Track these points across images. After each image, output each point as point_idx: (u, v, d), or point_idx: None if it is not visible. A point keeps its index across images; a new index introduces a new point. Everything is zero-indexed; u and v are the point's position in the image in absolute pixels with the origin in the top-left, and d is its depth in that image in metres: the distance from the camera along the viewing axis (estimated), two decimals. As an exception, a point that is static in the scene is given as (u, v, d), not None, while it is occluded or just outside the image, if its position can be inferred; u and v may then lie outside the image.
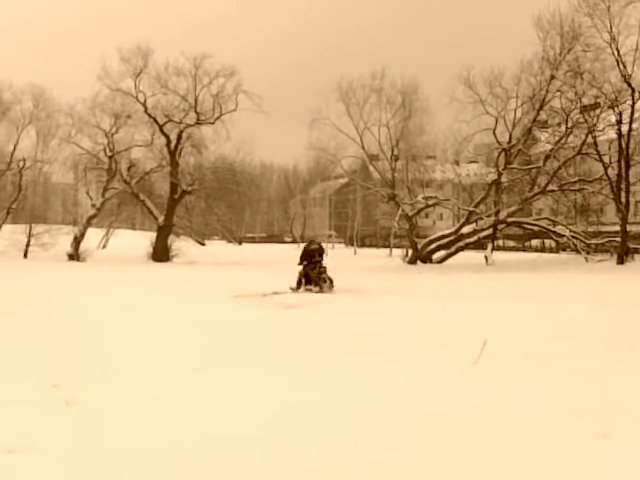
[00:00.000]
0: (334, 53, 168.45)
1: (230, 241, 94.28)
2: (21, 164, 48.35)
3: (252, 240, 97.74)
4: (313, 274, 18.21)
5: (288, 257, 47.75)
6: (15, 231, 43.34)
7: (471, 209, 36.90)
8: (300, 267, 18.61)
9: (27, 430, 5.25)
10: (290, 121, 60.73)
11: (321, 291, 17.68)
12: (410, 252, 38.95)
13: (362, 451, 4.78)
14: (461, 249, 37.21)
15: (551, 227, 36.78)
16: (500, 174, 35.58)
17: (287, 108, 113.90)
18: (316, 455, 4.70)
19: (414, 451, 4.78)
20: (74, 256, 39.91)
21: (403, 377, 7.09)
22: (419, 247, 37.72)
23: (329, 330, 10.87)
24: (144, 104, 40.82)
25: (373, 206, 67.09)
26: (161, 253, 40.09)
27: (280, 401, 6.20)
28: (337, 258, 46.95)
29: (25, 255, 41.94)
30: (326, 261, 18.96)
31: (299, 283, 18.18)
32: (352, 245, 67.21)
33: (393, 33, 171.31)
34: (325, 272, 18.35)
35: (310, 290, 17.78)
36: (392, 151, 40.16)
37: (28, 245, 42.25)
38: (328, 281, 18.16)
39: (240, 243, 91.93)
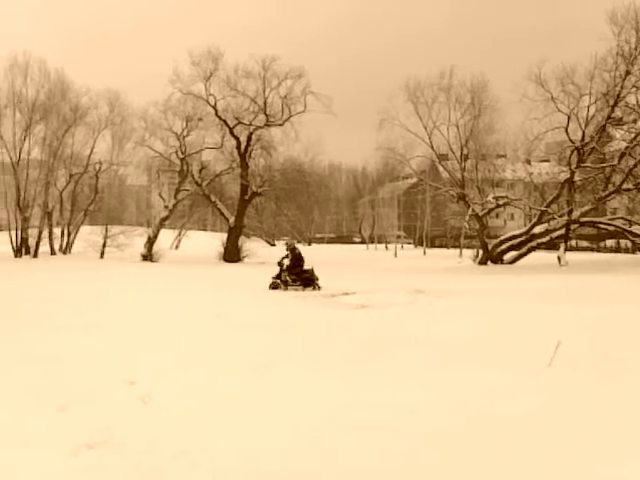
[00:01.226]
0: (399, 51, 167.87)
1: (299, 241, 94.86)
2: (97, 167, 49.75)
3: (321, 240, 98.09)
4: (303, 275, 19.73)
5: (357, 258, 48.02)
6: (92, 232, 44.71)
7: (543, 209, 36.10)
8: (286, 261, 19.93)
9: (105, 426, 5.42)
10: (358, 121, 60.78)
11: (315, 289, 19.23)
12: (481, 253, 38.44)
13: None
14: (533, 249, 36.46)
15: (627, 227, 35.71)
16: (573, 173, 34.72)
17: (355, 108, 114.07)
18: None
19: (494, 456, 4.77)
20: (148, 257, 40.78)
21: (477, 380, 7.02)
22: (490, 247, 37.17)
23: (402, 330, 10.81)
24: (214, 107, 41.41)
25: (442, 206, 66.43)
26: (232, 254, 40.58)
27: (372, 400, 6.25)
28: (406, 259, 46.98)
29: (101, 255, 43.15)
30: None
31: (284, 281, 19.51)
32: (421, 245, 66.68)
33: (460, 30, 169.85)
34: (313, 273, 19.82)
35: (296, 289, 19.16)
36: (461, 150, 39.65)
37: (104, 246, 43.51)
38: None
39: (309, 243, 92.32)
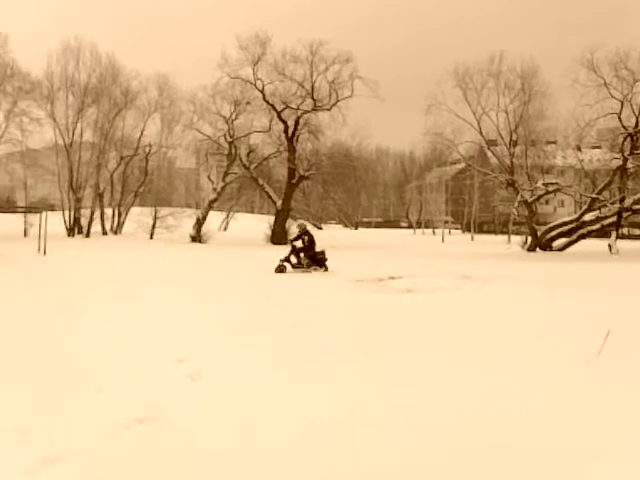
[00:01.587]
0: (448, 35, 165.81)
1: (346, 225, 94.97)
2: (147, 150, 50.55)
3: (368, 225, 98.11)
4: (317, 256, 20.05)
5: (404, 242, 47.87)
6: (142, 214, 45.45)
7: (594, 196, 35.47)
8: (297, 244, 20.30)
9: (155, 403, 5.54)
10: (406, 105, 60.36)
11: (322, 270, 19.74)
12: (529, 239, 38.00)
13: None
14: (583, 237, 35.87)
15: (681, 215, 34.96)
16: (626, 160, 34.01)
17: (402, 92, 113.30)
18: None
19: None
20: (196, 238, 41.30)
21: (526, 369, 6.94)
22: (539, 234, 36.69)
23: (449, 316, 10.79)
24: (262, 91, 41.59)
25: (491, 192, 65.68)
26: (279, 236, 40.80)
27: (420, 391, 6.28)
28: (454, 244, 46.67)
29: (151, 236, 43.85)
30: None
31: (298, 262, 19.79)
32: (469, 231, 66.12)
33: (510, 14, 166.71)
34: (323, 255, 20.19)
35: (307, 272, 19.40)
36: (510, 136, 39.07)
37: (154, 227, 44.19)
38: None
39: (356, 227, 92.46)
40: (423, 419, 5.21)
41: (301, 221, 24.43)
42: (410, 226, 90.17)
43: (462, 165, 60.89)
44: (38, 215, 29.50)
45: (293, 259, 19.78)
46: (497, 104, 39.32)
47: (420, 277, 17.06)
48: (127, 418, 5.12)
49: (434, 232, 73.81)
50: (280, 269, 19.12)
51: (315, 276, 18.52)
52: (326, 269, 19.78)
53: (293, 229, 42.53)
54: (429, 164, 78.51)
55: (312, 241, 20.25)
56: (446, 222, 74.55)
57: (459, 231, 77.25)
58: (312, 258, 19.91)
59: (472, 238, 59.56)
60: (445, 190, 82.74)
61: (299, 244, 20.14)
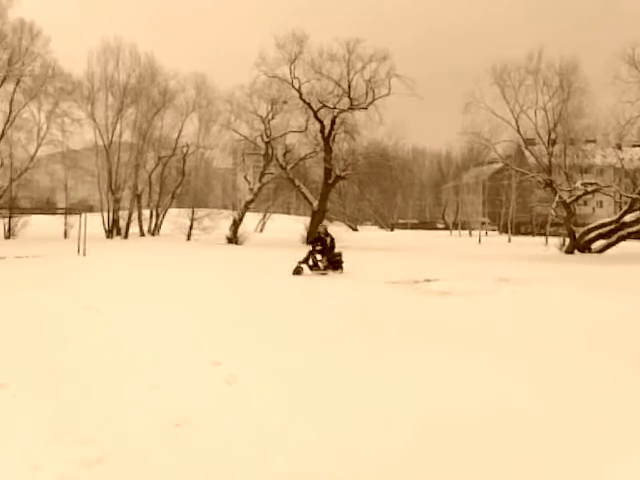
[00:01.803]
0: (485, 33, 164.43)
1: (382, 227, 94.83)
2: (185, 150, 50.83)
3: (404, 226, 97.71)
4: (324, 260, 19.61)
5: (440, 244, 47.61)
6: (179, 215, 45.75)
7: (635, 196, 34.85)
8: (311, 248, 19.92)
9: (191, 406, 5.62)
10: (443, 104, 60.00)
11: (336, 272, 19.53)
12: (568, 241, 37.51)
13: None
14: (623, 238, 35.25)
15: None
16: (668, 159, 33.49)
17: (440, 90, 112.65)
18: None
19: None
20: (233, 239, 41.48)
21: (576, 374, 6.93)
22: (577, 235, 36.17)
23: (483, 319, 10.75)
24: (299, 90, 41.65)
25: (528, 192, 64.88)
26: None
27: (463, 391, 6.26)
28: (491, 246, 46.28)
29: (188, 237, 44.16)
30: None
31: (314, 263, 19.44)
32: (506, 233, 65.46)
33: (549, 9, 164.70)
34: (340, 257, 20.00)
35: (324, 274, 19.26)
36: (549, 135, 38.59)
37: (191, 228, 44.49)
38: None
39: (392, 229, 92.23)
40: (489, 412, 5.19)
41: (322, 224, 24.32)
42: (446, 227, 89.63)
43: (499, 165, 60.30)
44: (78, 216, 29.89)
45: (311, 261, 19.51)
46: (535, 102, 38.87)
47: (456, 279, 16.95)
48: (165, 421, 5.20)
49: (471, 233, 73.21)
50: (297, 271, 18.90)
51: (346, 278, 18.43)
52: (342, 271, 19.63)
53: (329, 230, 42.64)
54: (466, 164, 77.89)
55: (333, 243, 20.08)
56: (483, 223, 73.92)
57: (496, 232, 76.48)
58: (329, 260, 19.70)
59: (509, 240, 58.93)
60: (482, 191, 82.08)
61: (319, 246, 19.81)
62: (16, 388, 6.09)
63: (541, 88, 38.90)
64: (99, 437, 4.81)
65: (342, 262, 19.84)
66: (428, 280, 17.03)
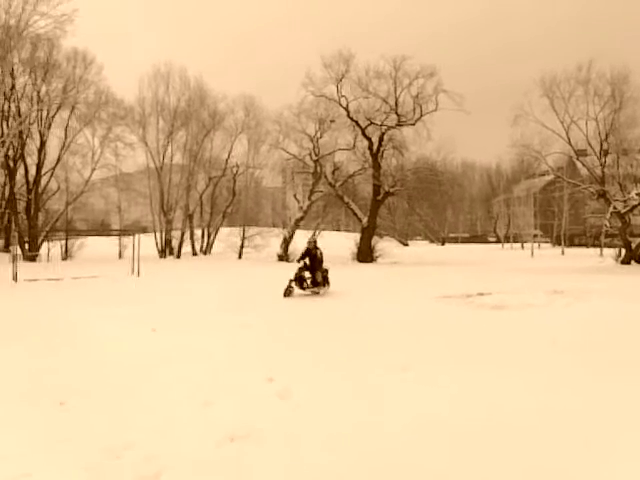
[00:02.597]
0: (533, 44, 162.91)
1: (433, 241, 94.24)
2: (235, 170, 51.51)
3: (455, 240, 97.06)
4: (318, 275, 18.33)
5: (492, 258, 47.12)
6: (231, 233, 46.29)
7: (692, 205, 34.13)
8: (300, 264, 18.52)
9: (246, 421, 5.71)
10: (491, 118, 59.57)
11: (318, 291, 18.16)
12: (623, 252, 36.81)
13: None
14: (682, 248, 34.51)
15: None
16: None
17: (487, 104, 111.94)
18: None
19: None
20: (283, 257, 41.69)
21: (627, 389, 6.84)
22: (633, 246, 35.49)
23: (538, 332, 10.63)
24: (346, 108, 41.82)
25: (581, 204, 63.92)
26: (365, 254, 40.83)
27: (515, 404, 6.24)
28: (543, 258, 45.64)
29: (239, 256, 44.58)
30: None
31: (301, 282, 18.00)
32: (559, 245, 64.44)
33: (597, 21, 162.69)
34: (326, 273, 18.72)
35: (317, 292, 18.09)
36: (601, 145, 38.00)
37: (242, 247, 44.93)
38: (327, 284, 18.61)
39: (443, 243, 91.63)
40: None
41: (310, 237, 22.39)
42: (498, 241, 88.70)
43: (551, 177, 59.55)
44: (131, 237, 30.44)
45: (304, 277, 18.16)
46: (586, 112, 38.32)
47: (510, 293, 16.81)
48: (221, 436, 5.29)
49: (523, 246, 72.33)
50: (288, 292, 17.54)
51: (398, 294, 18.32)
52: (329, 287, 18.55)
53: (379, 246, 42.52)
54: (516, 177, 77.10)
55: (321, 257, 18.82)
56: (535, 236, 72.85)
57: (549, 245, 75.36)
58: (315, 277, 18.28)
59: (562, 252, 58.02)
60: (533, 203, 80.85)
61: (306, 261, 18.48)
62: (75, 404, 6.27)
63: (592, 98, 38.37)
64: (157, 453, 4.92)
65: (328, 278, 18.68)
66: (481, 294, 16.91)
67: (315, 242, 19.39)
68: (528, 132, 39.36)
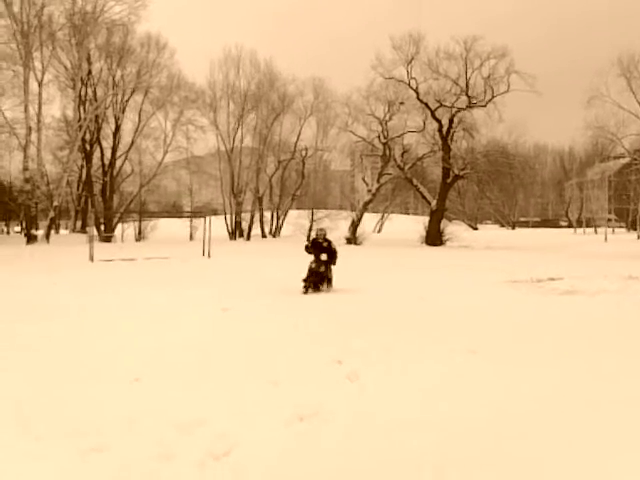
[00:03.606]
0: (608, 23, 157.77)
1: (503, 225, 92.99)
2: (304, 153, 51.87)
3: (525, 224, 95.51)
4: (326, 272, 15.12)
5: (564, 242, 46.20)
6: (299, 216, 46.63)
7: None
8: (324, 256, 15.20)
9: (315, 401, 5.79)
10: (564, 99, 58.20)
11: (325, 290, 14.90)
12: (703, 237, 35.67)
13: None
14: None
15: None
16: None
17: (560, 85, 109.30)
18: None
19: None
20: (352, 239, 41.82)
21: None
22: None
23: (611, 319, 10.42)
24: (416, 90, 41.55)
25: (659, 187, 61.98)
26: (434, 237, 40.62)
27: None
28: (618, 243, 44.48)
29: (308, 239, 44.82)
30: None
31: (314, 282, 14.91)
32: (635, 229, 62.69)
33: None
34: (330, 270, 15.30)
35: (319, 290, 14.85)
36: (681, 127, 36.92)
37: (310, 229, 45.21)
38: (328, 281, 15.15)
39: (513, 227, 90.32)
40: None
41: (319, 228, 18.03)
42: (570, 225, 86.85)
43: (626, 159, 57.96)
44: (202, 219, 30.97)
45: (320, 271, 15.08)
46: (666, 92, 37.17)
47: (582, 278, 16.45)
48: (290, 414, 5.43)
49: (596, 231, 70.65)
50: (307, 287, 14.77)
51: (468, 277, 18.16)
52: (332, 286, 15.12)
53: (448, 229, 42.14)
54: (590, 160, 75.27)
55: (333, 248, 15.66)
56: (609, 220, 71.08)
57: (623, 230, 73.45)
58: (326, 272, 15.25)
59: (638, 237, 56.47)
60: (608, 187, 78.91)
61: (324, 256, 15.17)
62: (149, 381, 6.48)
63: (673, 77, 37.15)
64: (227, 430, 5.05)
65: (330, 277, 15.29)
66: (552, 279, 16.66)
67: (324, 233, 16.08)
68: (603, 114, 38.62)
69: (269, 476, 4.29)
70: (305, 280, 14.74)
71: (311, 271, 14.94)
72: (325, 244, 15.45)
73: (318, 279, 14.89)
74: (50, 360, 7.42)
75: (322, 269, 14.98)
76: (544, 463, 4.42)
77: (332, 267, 15.31)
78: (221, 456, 4.58)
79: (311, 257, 15.30)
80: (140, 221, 44.16)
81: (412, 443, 4.78)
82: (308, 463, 4.49)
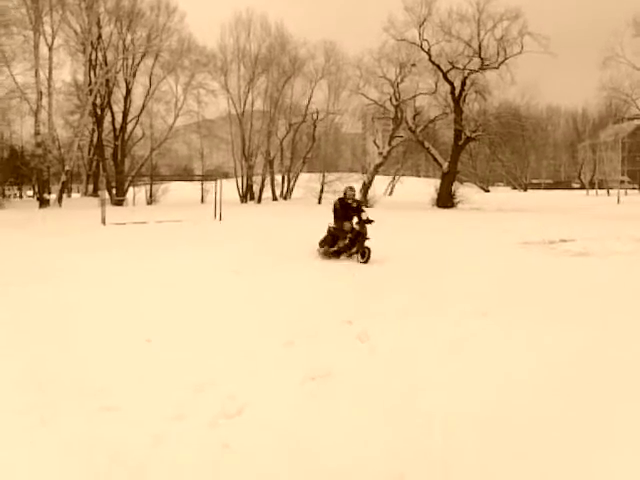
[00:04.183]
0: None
1: (514, 187, 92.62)
2: (315, 116, 51.65)
3: (537, 186, 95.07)
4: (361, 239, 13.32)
5: (576, 204, 46.02)
6: (310, 179, 46.62)
7: None
8: (332, 224, 14.09)
9: (326, 361, 5.88)
10: (578, 61, 57.52)
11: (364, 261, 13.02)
12: None
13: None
14: None
15: None
16: None
17: (574, 46, 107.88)
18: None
19: None
20: (363, 202, 41.74)
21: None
22: None
23: (622, 281, 10.46)
24: (428, 52, 41.11)
25: (672, 148, 61.47)
26: (445, 199, 40.52)
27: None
28: (631, 205, 44.27)
29: (319, 201, 44.91)
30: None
31: (338, 248, 13.68)
32: (647, 191, 62.38)
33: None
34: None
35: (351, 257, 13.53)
36: (696, 88, 36.50)
37: (322, 192, 45.24)
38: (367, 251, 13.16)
39: (525, 189, 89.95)
40: None
41: (346, 186, 15.02)
42: (582, 187, 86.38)
43: (641, 121, 57.39)
44: (213, 183, 31.01)
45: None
46: (680, 53, 36.72)
47: (594, 240, 16.37)
48: (303, 375, 5.53)
49: (609, 193, 70.24)
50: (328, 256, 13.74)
51: (481, 239, 18.06)
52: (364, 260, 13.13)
53: (460, 192, 42.02)
54: (604, 121, 74.67)
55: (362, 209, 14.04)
56: (622, 182, 70.64)
57: (636, 191, 73.03)
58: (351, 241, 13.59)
59: (651, 199, 56.19)
60: (621, 148, 78.26)
61: (365, 216, 13.67)
62: (161, 342, 6.58)
63: (690, 37, 36.67)
64: (239, 390, 5.15)
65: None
66: (564, 240, 16.68)
67: (354, 193, 14.37)
68: (618, 75, 38.21)
69: (281, 435, 4.37)
70: (326, 245, 13.79)
71: (332, 235, 13.76)
72: (354, 204, 13.83)
73: (346, 246, 13.49)
74: (62, 321, 7.53)
75: (357, 234, 13.30)
76: (552, 419, 4.51)
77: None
78: (234, 415, 4.67)
79: (330, 219, 14.11)
80: (151, 184, 44.19)
81: (422, 402, 4.87)
82: (317, 420, 4.60)
